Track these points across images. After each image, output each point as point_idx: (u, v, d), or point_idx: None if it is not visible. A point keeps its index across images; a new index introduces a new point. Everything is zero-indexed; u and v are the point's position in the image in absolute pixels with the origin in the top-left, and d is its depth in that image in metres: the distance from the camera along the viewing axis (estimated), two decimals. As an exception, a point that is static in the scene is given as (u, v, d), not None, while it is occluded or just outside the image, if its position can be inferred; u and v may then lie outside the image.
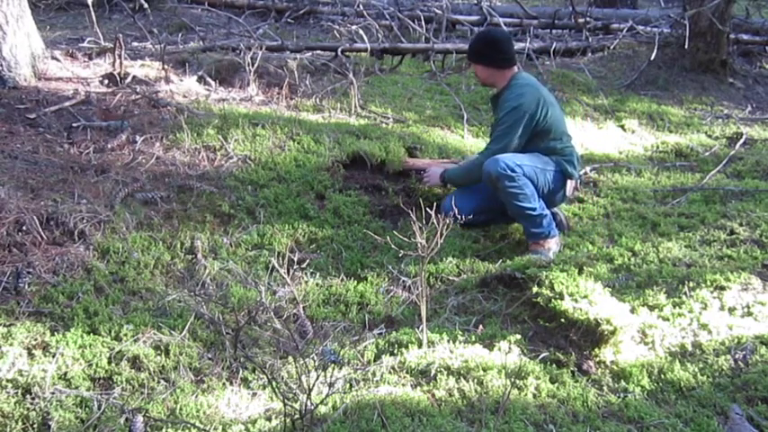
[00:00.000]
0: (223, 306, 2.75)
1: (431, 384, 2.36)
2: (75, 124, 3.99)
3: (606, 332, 2.57)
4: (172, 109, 4.32)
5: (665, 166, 4.84)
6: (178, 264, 3.04)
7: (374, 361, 2.51)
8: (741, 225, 3.58)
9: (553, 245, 3.44)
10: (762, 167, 4.59)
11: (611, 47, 7.12)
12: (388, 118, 4.94)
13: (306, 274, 3.13)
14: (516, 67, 3.59)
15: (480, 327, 2.80)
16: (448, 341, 2.60)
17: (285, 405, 2.05)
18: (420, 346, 2.56)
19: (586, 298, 2.66)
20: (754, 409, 2.34)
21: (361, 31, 6.53)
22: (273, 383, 2.13)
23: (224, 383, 2.35)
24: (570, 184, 3.60)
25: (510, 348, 2.57)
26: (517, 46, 6.57)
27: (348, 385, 2.35)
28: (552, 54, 6.82)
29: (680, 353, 2.64)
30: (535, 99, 3.41)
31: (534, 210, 3.35)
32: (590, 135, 5.26)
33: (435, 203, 3.49)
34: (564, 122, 3.62)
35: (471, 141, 4.80)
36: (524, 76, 3.59)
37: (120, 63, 4.79)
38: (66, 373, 2.28)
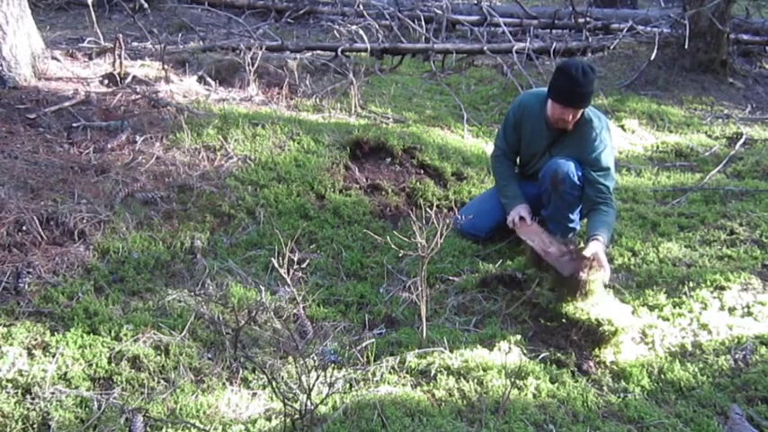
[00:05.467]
0: (223, 306, 2.75)
1: (431, 384, 2.36)
2: (75, 124, 3.99)
3: (607, 333, 2.57)
4: (172, 109, 4.32)
5: (665, 166, 4.84)
6: (178, 264, 3.04)
7: (374, 361, 2.50)
8: (741, 225, 3.58)
9: None
10: (762, 167, 4.58)
11: (611, 47, 7.11)
12: (388, 118, 4.94)
13: (306, 274, 3.13)
14: None
15: (480, 327, 2.80)
16: (448, 341, 2.60)
17: (285, 405, 2.05)
18: (420, 346, 2.56)
19: (587, 298, 2.66)
20: (754, 409, 2.34)
21: (361, 31, 6.54)
22: (273, 383, 2.13)
23: (224, 383, 2.35)
24: None
25: (510, 348, 2.57)
26: (517, 46, 6.58)
27: (348, 385, 2.35)
28: (552, 54, 6.81)
29: (680, 353, 2.64)
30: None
31: (572, 222, 3.29)
32: (590, 135, 5.25)
33: (435, 204, 3.49)
34: None
35: (471, 141, 4.80)
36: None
37: (120, 63, 4.79)
38: (66, 373, 2.28)
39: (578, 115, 3.16)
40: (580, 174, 3.18)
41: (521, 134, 3.42)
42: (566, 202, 3.20)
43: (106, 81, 4.74)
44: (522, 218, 3.25)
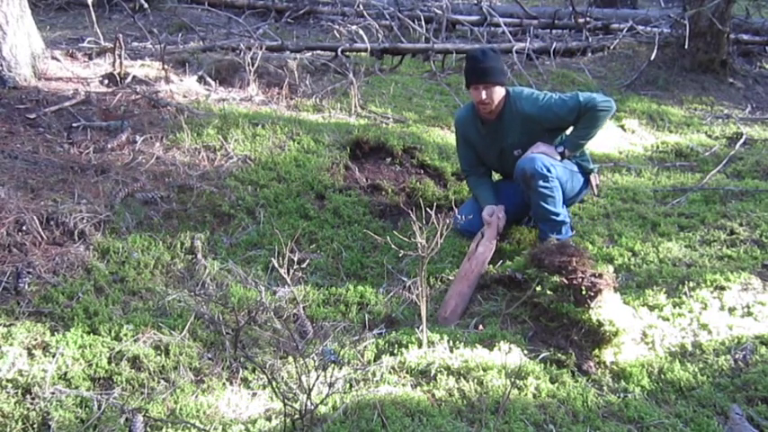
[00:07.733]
0: (223, 306, 2.75)
1: (431, 384, 2.36)
2: (75, 124, 3.99)
3: (609, 333, 2.56)
4: (172, 109, 4.32)
5: (665, 166, 4.84)
6: (178, 264, 3.04)
7: (374, 361, 2.51)
8: (741, 225, 3.58)
9: None
10: (762, 167, 4.58)
11: (611, 47, 7.12)
12: (388, 118, 4.94)
13: (306, 274, 3.13)
14: None
15: (480, 327, 2.80)
16: (448, 341, 2.60)
17: (285, 405, 2.05)
18: (420, 346, 2.56)
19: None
20: (754, 409, 2.34)
21: (361, 31, 6.54)
22: (273, 383, 2.13)
23: (224, 383, 2.35)
24: (594, 179, 3.59)
25: (510, 348, 2.57)
26: (517, 46, 6.58)
27: (348, 385, 2.35)
28: (552, 54, 6.82)
29: (680, 353, 2.64)
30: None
31: (558, 215, 3.29)
32: (590, 135, 5.25)
33: (435, 204, 3.49)
34: None
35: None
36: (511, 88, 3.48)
37: (120, 63, 4.79)
38: (66, 373, 2.28)
39: (493, 92, 3.23)
40: (548, 165, 3.22)
41: (471, 144, 3.52)
42: (542, 196, 3.24)
43: (106, 81, 4.74)
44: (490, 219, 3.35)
